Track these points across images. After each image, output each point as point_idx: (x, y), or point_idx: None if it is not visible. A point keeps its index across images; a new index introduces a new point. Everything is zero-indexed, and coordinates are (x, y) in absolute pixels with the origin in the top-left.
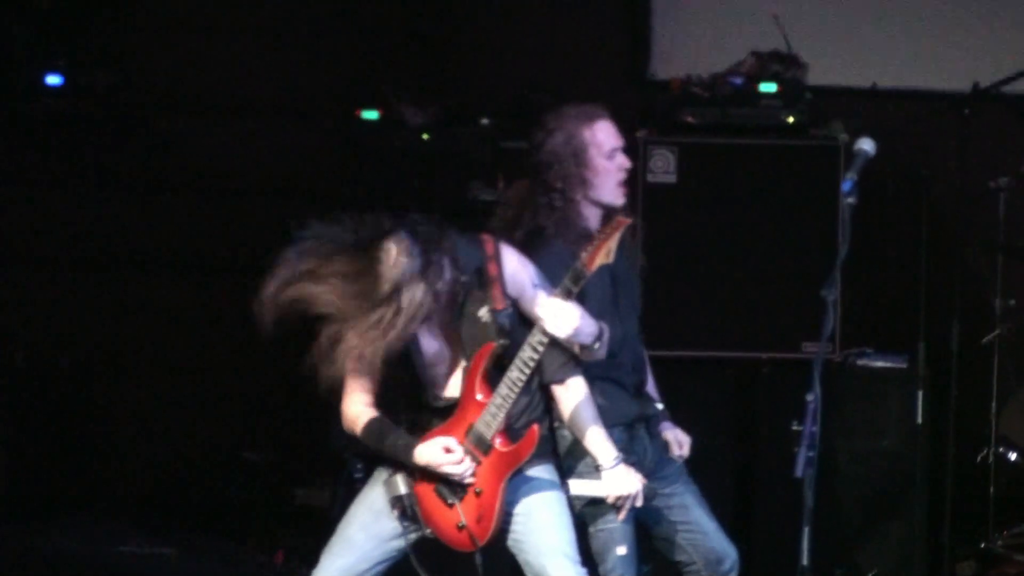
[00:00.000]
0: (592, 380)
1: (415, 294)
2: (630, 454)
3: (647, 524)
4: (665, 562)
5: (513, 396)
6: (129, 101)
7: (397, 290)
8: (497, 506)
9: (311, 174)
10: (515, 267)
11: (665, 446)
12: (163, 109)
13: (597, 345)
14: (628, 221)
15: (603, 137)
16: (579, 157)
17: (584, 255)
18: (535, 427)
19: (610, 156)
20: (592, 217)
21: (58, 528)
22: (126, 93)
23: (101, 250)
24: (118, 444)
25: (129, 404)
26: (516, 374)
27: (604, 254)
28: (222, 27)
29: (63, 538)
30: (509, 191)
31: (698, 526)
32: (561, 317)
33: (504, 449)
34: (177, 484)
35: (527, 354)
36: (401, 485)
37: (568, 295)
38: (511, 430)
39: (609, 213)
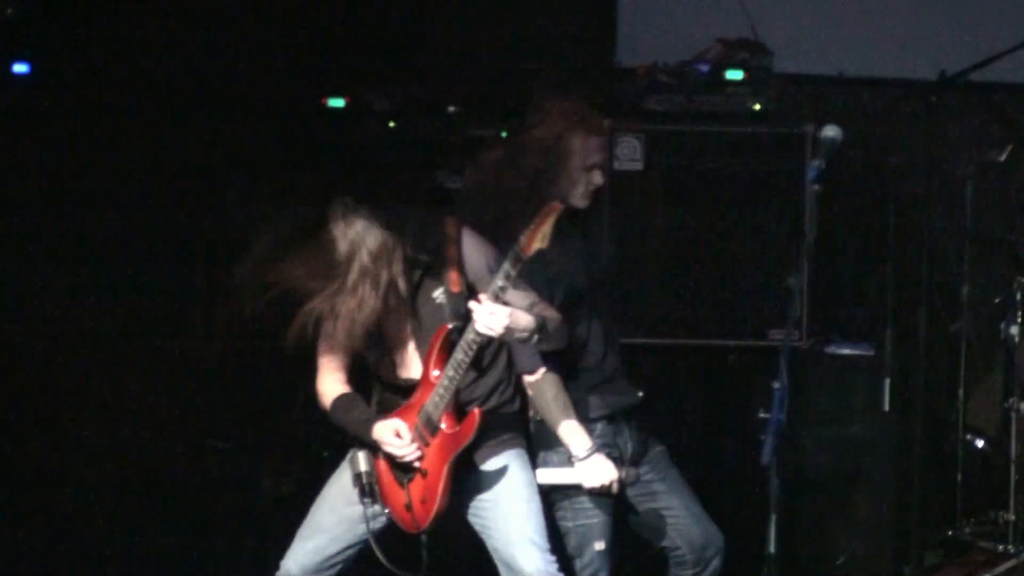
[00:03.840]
0: (570, 372)
1: (370, 243)
2: (612, 448)
3: (631, 510)
4: (650, 548)
5: (459, 378)
6: (95, 89)
7: (353, 246)
8: (440, 488)
9: (277, 162)
10: (474, 251)
11: (647, 437)
12: (128, 97)
13: (536, 338)
14: (561, 207)
15: (590, 151)
16: (559, 161)
17: (522, 239)
18: (476, 410)
19: (589, 169)
20: None
21: (18, 516)
22: (92, 81)
23: (65, 235)
24: (81, 431)
25: (93, 391)
26: (461, 356)
27: (540, 238)
28: (187, 15)
29: (23, 526)
30: (474, 175)
31: (682, 511)
32: (491, 318)
33: (450, 431)
34: (142, 471)
35: (470, 336)
36: (362, 462)
37: (508, 279)
38: (464, 413)
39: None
